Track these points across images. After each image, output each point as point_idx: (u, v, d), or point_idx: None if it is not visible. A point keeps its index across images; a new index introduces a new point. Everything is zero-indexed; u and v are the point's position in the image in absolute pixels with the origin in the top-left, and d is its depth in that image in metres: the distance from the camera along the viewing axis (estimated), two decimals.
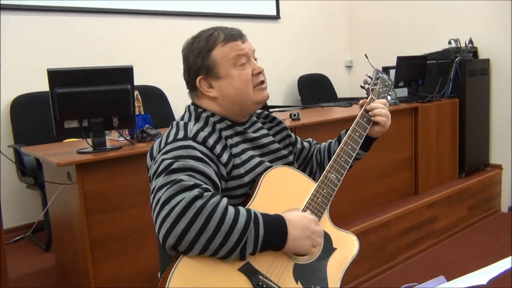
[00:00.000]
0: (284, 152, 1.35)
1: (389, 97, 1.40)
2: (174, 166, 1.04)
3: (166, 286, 0.96)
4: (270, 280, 1.06)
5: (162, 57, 3.74)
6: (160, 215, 0.97)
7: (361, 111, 1.33)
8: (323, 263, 1.17)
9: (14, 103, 3.00)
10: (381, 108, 1.33)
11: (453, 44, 3.80)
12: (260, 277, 1.05)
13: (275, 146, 1.33)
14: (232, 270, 1.02)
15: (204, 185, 1.02)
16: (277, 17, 4.52)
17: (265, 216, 1.05)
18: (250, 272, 1.03)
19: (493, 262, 0.88)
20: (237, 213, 1.00)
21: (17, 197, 3.08)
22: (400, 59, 3.44)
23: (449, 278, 0.91)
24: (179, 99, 3.74)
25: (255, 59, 1.27)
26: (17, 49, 3.08)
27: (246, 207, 1.09)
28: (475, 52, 3.92)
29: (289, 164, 1.34)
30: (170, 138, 1.15)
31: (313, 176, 1.49)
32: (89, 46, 3.38)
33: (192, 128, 1.16)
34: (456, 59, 3.66)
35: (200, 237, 0.95)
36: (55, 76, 1.99)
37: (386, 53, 4.22)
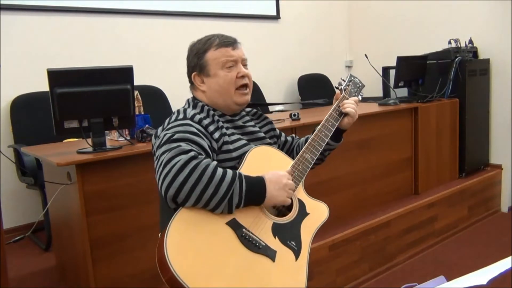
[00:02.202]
0: (270, 140, 1.57)
1: (360, 97, 1.65)
2: (175, 137, 1.27)
3: (166, 232, 1.14)
4: (251, 233, 1.25)
5: (162, 57, 3.74)
6: (163, 172, 1.19)
7: (334, 105, 1.56)
8: (298, 224, 1.37)
9: (14, 103, 3.00)
10: (350, 102, 1.56)
11: (453, 44, 3.80)
12: (244, 229, 1.24)
13: (261, 134, 1.55)
14: (220, 223, 1.22)
15: (199, 152, 1.25)
16: (277, 17, 4.52)
17: (247, 175, 1.27)
18: (235, 226, 1.23)
19: (493, 262, 0.88)
20: (225, 171, 1.22)
21: (17, 197, 3.08)
22: (400, 59, 3.44)
23: (449, 278, 0.91)
24: (179, 99, 3.72)
25: (245, 65, 1.49)
26: (17, 49, 3.08)
27: None
28: (475, 52, 3.92)
29: None
30: (172, 119, 1.39)
31: None
32: (89, 46, 3.38)
33: (190, 111, 1.41)
34: (456, 59, 3.66)
35: (195, 188, 1.16)
36: (55, 76, 1.99)
37: (386, 53, 4.22)
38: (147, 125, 2.31)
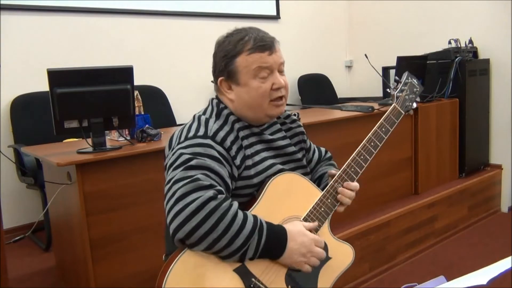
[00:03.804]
0: (299, 155, 1.37)
1: (414, 104, 1.35)
2: (192, 162, 1.10)
3: (168, 270, 1.04)
4: (261, 283, 1.12)
5: (162, 57, 3.74)
6: (174, 208, 1.04)
7: (331, 182, 1.29)
8: (316, 271, 1.20)
9: (14, 103, 2.99)
10: (349, 195, 1.28)
11: (453, 44, 3.80)
12: (253, 279, 1.11)
13: (291, 149, 1.35)
14: (228, 269, 1.09)
15: (218, 187, 1.09)
16: (277, 17, 4.52)
17: (269, 226, 1.11)
18: (244, 274, 1.10)
19: (493, 262, 0.87)
20: (245, 219, 1.07)
21: (17, 197, 3.08)
22: (400, 59, 3.43)
23: (449, 278, 0.91)
24: (179, 99, 3.75)
25: (281, 72, 1.27)
26: (17, 49, 3.08)
27: (250, 209, 1.15)
28: (475, 52, 3.92)
29: (302, 167, 1.37)
30: (191, 133, 1.19)
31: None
32: (89, 46, 3.38)
33: (213, 126, 1.21)
34: (456, 59, 3.66)
35: (208, 236, 1.02)
36: (55, 76, 1.99)
37: (386, 53, 4.21)
38: (147, 125, 2.31)
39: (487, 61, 3.92)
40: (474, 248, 3.15)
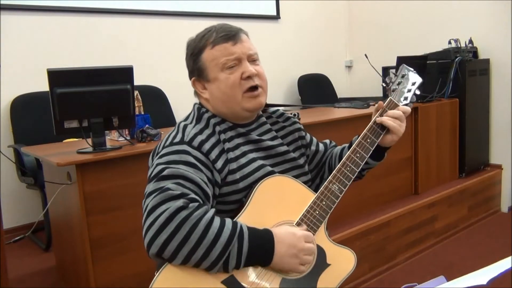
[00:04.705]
0: (294, 154, 1.29)
1: (414, 97, 1.26)
2: (165, 172, 1.05)
3: (151, 285, 0.97)
4: None
5: (162, 57, 3.74)
6: (146, 223, 1.01)
7: (375, 116, 1.23)
8: (314, 279, 1.11)
9: (14, 103, 2.99)
10: (393, 115, 1.21)
11: (453, 44, 3.80)
12: None
13: (283, 148, 1.27)
14: (215, 281, 1.01)
15: (192, 195, 1.02)
16: (277, 17, 4.52)
17: (252, 230, 1.03)
18: (233, 286, 1.01)
19: (493, 262, 0.87)
20: (221, 226, 0.99)
21: (17, 197, 3.08)
22: (400, 59, 3.43)
23: (449, 278, 0.91)
24: (179, 99, 3.74)
25: (253, 61, 1.20)
26: (17, 49, 3.08)
27: (237, 217, 1.08)
28: (475, 52, 3.92)
29: (298, 167, 1.28)
30: (168, 141, 1.14)
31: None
32: (89, 46, 3.38)
33: (190, 131, 1.15)
34: (456, 59, 3.66)
35: (182, 248, 0.95)
36: (55, 76, 1.99)
37: (386, 53, 4.21)
38: (147, 125, 2.31)
39: (487, 61, 3.92)
40: (474, 248, 3.15)
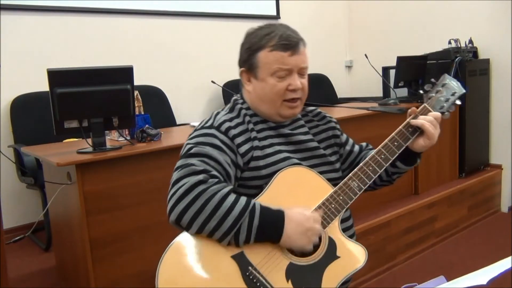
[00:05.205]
0: (324, 151, 1.33)
1: (453, 107, 1.26)
2: (192, 151, 1.16)
3: (163, 255, 1.05)
4: (259, 272, 1.08)
5: (162, 57, 3.74)
6: (169, 193, 1.09)
7: (407, 120, 1.25)
8: (321, 269, 1.14)
9: (14, 103, 2.99)
10: (428, 118, 1.24)
11: (453, 44, 3.80)
12: (250, 267, 1.08)
13: (313, 144, 1.32)
14: (226, 255, 1.07)
15: (213, 172, 1.12)
16: (277, 17, 4.52)
17: (264, 208, 1.09)
18: (241, 261, 1.08)
19: (493, 262, 0.88)
20: (235, 201, 1.07)
21: (17, 197, 3.08)
22: (400, 59, 3.44)
23: (449, 278, 0.91)
24: (179, 99, 3.74)
25: (302, 75, 1.26)
26: (17, 49, 3.08)
27: (255, 199, 1.14)
28: (475, 52, 3.92)
29: (328, 164, 1.32)
30: (200, 126, 1.26)
31: None
32: (89, 46, 3.38)
33: (220, 118, 1.25)
34: (456, 59, 3.66)
35: (197, 218, 1.04)
36: (55, 76, 1.99)
37: (386, 53, 4.22)
38: (147, 125, 2.31)
39: (487, 61, 3.92)
40: (474, 248, 3.15)
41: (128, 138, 2.30)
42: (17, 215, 3.05)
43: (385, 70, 4.05)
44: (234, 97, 1.35)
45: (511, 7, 3.73)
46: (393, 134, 1.25)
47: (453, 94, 1.28)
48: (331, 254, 1.16)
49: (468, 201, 3.55)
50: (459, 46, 3.80)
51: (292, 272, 1.11)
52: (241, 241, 1.07)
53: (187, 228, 1.06)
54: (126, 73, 2.14)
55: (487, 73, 3.93)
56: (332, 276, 1.13)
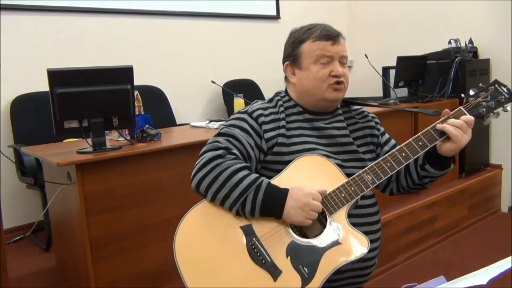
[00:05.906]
0: (357, 147, 1.38)
1: (498, 113, 1.22)
2: (222, 130, 1.31)
3: (182, 219, 1.20)
4: (261, 244, 1.18)
5: (162, 57, 3.74)
6: (196, 162, 1.24)
7: (438, 121, 1.25)
8: (321, 252, 1.17)
9: (14, 103, 3.00)
10: (456, 123, 1.24)
11: (453, 44, 3.80)
12: (254, 239, 1.18)
13: (346, 139, 1.38)
14: (235, 225, 1.20)
15: (234, 150, 1.25)
16: (277, 17, 4.52)
17: (271, 185, 1.20)
18: (248, 232, 1.19)
19: (493, 262, 0.88)
20: (245, 176, 1.19)
21: (17, 197, 3.08)
22: (400, 59, 3.44)
23: (449, 278, 0.91)
24: (179, 99, 3.75)
25: (343, 64, 1.35)
26: (17, 49, 3.08)
27: (270, 180, 1.24)
28: (475, 52, 3.91)
29: (358, 160, 1.35)
30: (237, 111, 1.39)
31: (389, 188, 1.47)
32: (89, 46, 3.38)
33: (256, 106, 1.37)
34: (456, 59, 3.66)
35: (211, 186, 1.19)
36: (55, 76, 1.99)
37: (386, 53, 4.22)
38: (147, 125, 2.31)
39: (487, 61, 3.92)
40: (474, 248, 3.15)
41: (128, 138, 2.30)
42: (17, 215, 3.05)
43: (385, 70, 4.05)
44: (277, 91, 1.45)
45: (511, 7, 3.73)
46: (419, 133, 1.24)
47: (499, 100, 1.23)
48: (333, 239, 1.19)
49: (468, 201, 3.55)
50: (459, 46, 3.80)
51: (292, 250, 1.17)
52: (246, 211, 1.18)
53: (204, 195, 1.21)
54: (126, 73, 2.14)
55: (487, 73, 3.93)
56: (330, 260, 1.16)
